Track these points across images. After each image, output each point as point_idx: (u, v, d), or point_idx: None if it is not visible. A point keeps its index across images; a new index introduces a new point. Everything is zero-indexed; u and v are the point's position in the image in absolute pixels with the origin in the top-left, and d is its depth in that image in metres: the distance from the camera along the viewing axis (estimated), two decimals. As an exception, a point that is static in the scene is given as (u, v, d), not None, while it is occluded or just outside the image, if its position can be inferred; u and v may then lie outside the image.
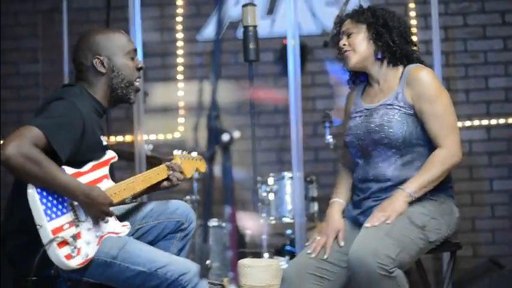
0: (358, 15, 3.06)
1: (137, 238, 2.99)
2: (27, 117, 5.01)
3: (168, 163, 3.09)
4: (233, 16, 5.47)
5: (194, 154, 3.24)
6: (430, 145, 2.96)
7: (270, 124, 5.56)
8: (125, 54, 2.98)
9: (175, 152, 3.17)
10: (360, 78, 3.19)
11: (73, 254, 2.66)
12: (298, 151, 4.23)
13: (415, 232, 2.83)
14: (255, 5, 3.82)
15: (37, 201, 2.61)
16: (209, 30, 5.63)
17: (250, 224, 4.65)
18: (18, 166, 2.56)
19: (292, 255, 4.58)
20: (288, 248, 4.78)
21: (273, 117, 5.55)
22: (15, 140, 2.56)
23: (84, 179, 2.78)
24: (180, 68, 5.63)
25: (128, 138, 5.44)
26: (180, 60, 5.65)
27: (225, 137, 1.77)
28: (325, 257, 2.93)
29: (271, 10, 5.64)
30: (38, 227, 2.60)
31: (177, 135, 5.55)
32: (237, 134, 1.78)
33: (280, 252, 4.77)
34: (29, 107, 5.31)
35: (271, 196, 4.78)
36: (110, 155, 2.94)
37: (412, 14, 5.49)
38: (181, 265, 2.83)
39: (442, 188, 2.96)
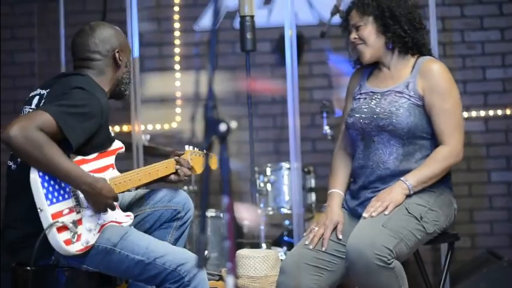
0: (363, 7, 2.99)
1: (133, 226, 2.98)
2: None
3: (177, 158, 3.11)
4: (230, 6, 5.45)
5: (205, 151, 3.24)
6: (433, 139, 2.95)
7: (267, 114, 5.55)
8: (129, 53, 3.07)
9: (187, 148, 3.19)
10: None
11: (73, 240, 2.67)
12: (296, 141, 4.22)
13: (412, 223, 2.82)
14: (252, -5, 3.81)
15: (38, 185, 2.63)
16: (206, 20, 5.60)
17: (248, 214, 4.64)
18: (18, 146, 2.57)
19: (290, 245, 4.58)
20: (285, 238, 4.79)
21: (270, 108, 5.54)
22: (22, 122, 2.59)
23: (88, 167, 2.79)
24: (177, 58, 5.62)
25: (125, 128, 5.43)
26: (177, 50, 5.63)
27: (222, 127, 1.76)
28: (323, 249, 2.93)
29: (268, 0, 5.62)
30: (38, 210, 2.63)
31: (174, 125, 5.54)
32: (234, 124, 1.77)
33: (278, 243, 4.77)
34: (25, 96, 5.26)
35: (268, 187, 4.78)
36: (118, 145, 2.96)
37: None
38: (180, 255, 2.83)
39: (441, 179, 2.95)
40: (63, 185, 2.70)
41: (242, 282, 3.28)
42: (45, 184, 2.65)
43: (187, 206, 3.13)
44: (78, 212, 2.72)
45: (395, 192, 2.87)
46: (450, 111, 2.92)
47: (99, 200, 2.74)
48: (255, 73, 4.33)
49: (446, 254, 3.09)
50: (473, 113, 5.39)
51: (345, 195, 3.08)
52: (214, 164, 3.19)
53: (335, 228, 2.97)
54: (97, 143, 2.83)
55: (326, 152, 5.39)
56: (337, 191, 3.08)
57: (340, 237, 2.94)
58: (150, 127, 5.45)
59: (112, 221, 2.83)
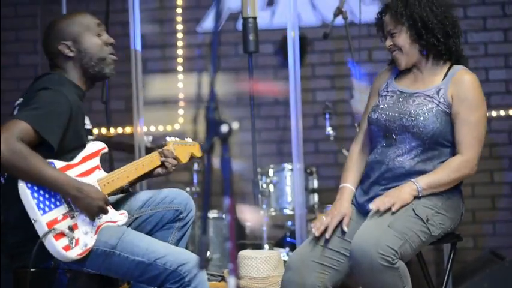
0: (396, 16, 2.99)
1: (136, 228, 2.98)
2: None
3: (160, 150, 3.10)
4: (233, 8, 5.46)
5: (188, 140, 3.24)
6: (453, 147, 2.96)
7: (269, 116, 5.55)
8: (89, 33, 2.98)
9: (168, 139, 3.18)
10: None
11: (71, 245, 2.66)
12: (298, 143, 4.22)
13: (418, 225, 2.83)
14: (254, -4, 3.81)
15: (28, 196, 2.63)
16: (209, 22, 5.61)
17: (250, 215, 4.64)
18: (5, 161, 2.58)
19: (292, 246, 4.58)
20: (288, 239, 4.79)
21: (273, 109, 5.54)
22: (3, 135, 2.58)
23: (74, 171, 2.78)
24: (180, 60, 5.62)
25: (128, 130, 5.43)
26: (180, 52, 5.64)
27: (224, 128, 1.76)
28: (327, 236, 2.92)
29: (271, 1, 5.62)
30: (33, 221, 2.62)
31: (177, 126, 5.55)
32: (236, 125, 1.77)
33: (280, 244, 4.77)
34: (28, 98, 5.30)
35: (271, 188, 4.78)
36: (100, 145, 2.94)
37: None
38: (180, 255, 2.83)
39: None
40: (52, 192, 2.69)
41: (244, 283, 3.28)
42: (35, 194, 2.64)
43: (189, 207, 3.12)
44: (72, 217, 2.71)
45: (404, 192, 2.88)
46: (474, 124, 2.93)
47: (90, 204, 2.73)
48: (258, 75, 4.34)
49: (449, 254, 3.09)
50: (476, 114, 5.39)
51: (356, 191, 3.08)
52: (197, 151, 3.19)
53: (342, 221, 2.97)
54: (72, 136, 2.80)
55: (329, 153, 5.40)
56: (349, 186, 3.08)
57: (345, 229, 2.94)
58: (152, 128, 5.46)
59: (107, 221, 2.82)
